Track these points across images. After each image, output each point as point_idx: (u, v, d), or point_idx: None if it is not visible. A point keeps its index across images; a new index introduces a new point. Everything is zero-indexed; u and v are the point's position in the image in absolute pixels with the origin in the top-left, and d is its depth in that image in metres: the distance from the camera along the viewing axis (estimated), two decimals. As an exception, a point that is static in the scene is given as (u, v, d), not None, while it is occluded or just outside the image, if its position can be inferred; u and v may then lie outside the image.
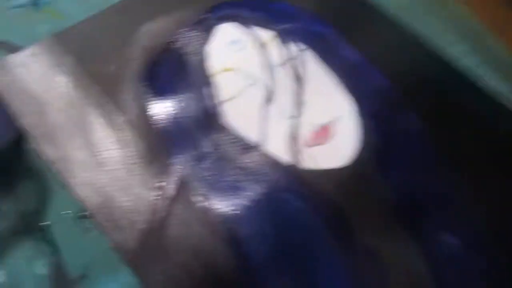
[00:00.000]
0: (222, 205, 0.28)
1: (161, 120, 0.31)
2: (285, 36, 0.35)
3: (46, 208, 0.29)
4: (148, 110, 0.32)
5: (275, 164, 0.30)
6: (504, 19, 0.40)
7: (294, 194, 0.29)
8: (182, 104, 0.32)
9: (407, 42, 0.37)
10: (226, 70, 0.34)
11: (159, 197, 0.28)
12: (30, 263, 0.27)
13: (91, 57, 0.33)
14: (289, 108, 0.32)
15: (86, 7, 0.36)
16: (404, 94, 0.34)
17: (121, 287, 0.27)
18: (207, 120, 0.32)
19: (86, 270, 0.27)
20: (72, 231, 0.28)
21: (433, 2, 0.42)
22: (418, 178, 0.30)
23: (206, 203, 0.28)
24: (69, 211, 0.28)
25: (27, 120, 0.31)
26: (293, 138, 0.31)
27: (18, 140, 0.30)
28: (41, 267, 0.27)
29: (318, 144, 0.31)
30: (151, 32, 0.35)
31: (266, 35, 0.35)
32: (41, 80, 0.32)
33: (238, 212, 0.28)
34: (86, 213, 0.28)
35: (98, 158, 0.29)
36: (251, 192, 0.29)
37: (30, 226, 0.27)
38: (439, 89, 0.34)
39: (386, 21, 0.38)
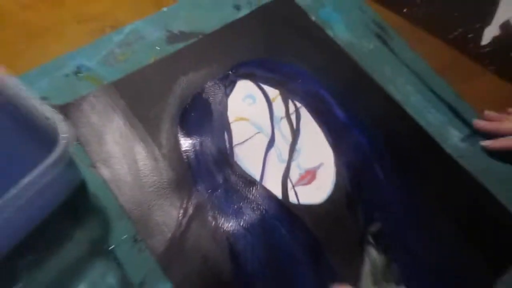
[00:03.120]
0: (227, 225, 0.39)
1: (188, 155, 0.42)
2: (287, 94, 0.45)
3: (109, 235, 0.39)
4: (179, 147, 0.42)
5: (269, 197, 0.40)
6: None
7: (281, 222, 0.39)
8: (205, 144, 0.42)
9: (389, 108, 0.46)
10: (240, 119, 0.44)
11: (182, 215, 0.39)
12: (103, 276, 0.37)
13: (138, 102, 0.44)
14: (285, 154, 0.42)
15: (119, 72, 0.46)
16: (378, 153, 0.43)
17: None
18: (222, 158, 0.42)
19: (143, 279, 0.37)
20: (131, 251, 0.38)
21: (389, 56, 0.51)
22: (378, 220, 0.39)
23: (215, 223, 0.39)
24: (126, 236, 0.39)
25: (90, 147, 0.42)
26: (285, 178, 0.41)
27: (84, 184, 0.41)
28: (111, 279, 0.37)
29: (303, 184, 0.41)
30: (185, 84, 0.45)
31: (273, 92, 0.45)
32: (102, 117, 0.43)
33: (238, 231, 0.38)
34: (138, 237, 0.38)
35: (141, 182, 0.40)
36: (249, 217, 0.39)
37: (99, 250, 0.38)
38: (405, 150, 0.44)
39: (375, 88, 0.47)
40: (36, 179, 0.32)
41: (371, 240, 0.39)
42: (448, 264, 0.38)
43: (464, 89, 0.50)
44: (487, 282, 0.38)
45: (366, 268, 0.37)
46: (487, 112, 0.48)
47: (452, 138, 0.46)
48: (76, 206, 0.39)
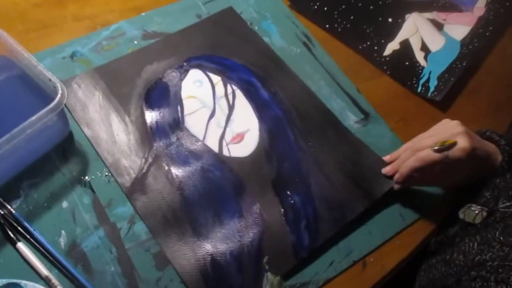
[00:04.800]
0: (176, 170, 0.53)
1: (150, 121, 0.56)
2: (227, 80, 0.61)
3: (87, 171, 0.52)
4: (143, 115, 0.57)
5: (208, 151, 0.55)
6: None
7: (217, 168, 0.54)
8: (163, 114, 0.57)
9: (301, 91, 0.62)
10: (190, 97, 0.59)
11: (143, 162, 0.53)
12: (81, 198, 0.51)
13: (114, 82, 0.58)
14: (222, 122, 0.57)
15: (105, 58, 0.61)
16: (291, 122, 0.58)
17: (130, 210, 0.51)
18: (175, 124, 0.57)
19: (109, 201, 0.51)
20: (101, 182, 0.52)
21: (310, 59, 0.67)
22: (287, 167, 0.55)
23: (168, 168, 0.53)
24: (98, 172, 0.52)
25: (77, 114, 0.56)
26: (221, 138, 0.56)
27: (71, 134, 0.54)
28: (86, 200, 0.51)
29: (235, 143, 0.56)
30: (150, 70, 0.60)
31: (216, 78, 0.61)
32: (86, 91, 0.57)
33: (185, 174, 0.53)
34: (107, 173, 0.52)
35: (114, 139, 0.54)
36: (194, 164, 0.54)
37: (79, 180, 0.52)
38: (312, 121, 0.59)
39: (292, 77, 0.63)
40: (41, 118, 0.46)
41: (266, 267, 0.49)
42: (333, 194, 0.54)
43: (365, 86, 0.66)
44: (359, 206, 0.54)
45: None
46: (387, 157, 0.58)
47: (349, 119, 0.62)
48: (65, 149, 0.53)
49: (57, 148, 0.53)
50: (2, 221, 0.47)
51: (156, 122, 0.56)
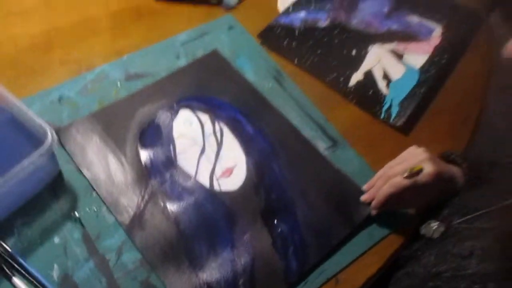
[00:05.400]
0: (172, 205, 0.58)
1: (145, 161, 0.61)
2: (214, 118, 0.66)
3: (76, 207, 0.56)
4: (138, 155, 0.61)
5: (200, 186, 0.60)
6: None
7: (209, 202, 0.59)
8: (157, 153, 0.62)
9: (283, 125, 0.68)
10: (181, 136, 0.64)
11: (140, 199, 0.58)
12: (71, 232, 0.55)
13: (110, 126, 0.63)
14: (212, 158, 0.63)
15: (90, 100, 0.65)
16: (275, 155, 0.65)
17: (117, 241, 0.55)
18: (169, 161, 0.61)
19: (98, 234, 0.55)
20: (90, 217, 0.56)
21: (281, 92, 0.73)
22: (274, 197, 0.61)
23: (164, 204, 0.58)
24: (87, 208, 0.56)
25: (76, 158, 0.59)
26: (212, 174, 0.61)
27: (61, 173, 0.58)
28: (77, 234, 0.55)
29: (224, 177, 0.61)
30: (143, 112, 0.65)
31: (204, 117, 0.67)
32: (84, 136, 0.61)
33: (180, 209, 0.58)
34: (95, 209, 0.56)
35: (112, 179, 0.58)
36: (188, 200, 0.59)
37: (69, 216, 0.55)
38: (293, 153, 0.66)
39: (274, 112, 0.69)
40: (32, 162, 0.50)
41: None
42: (317, 221, 0.60)
43: (333, 115, 0.72)
44: (341, 231, 0.60)
45: None
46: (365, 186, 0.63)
47: (319, 147, 0.68)
48: (55, 187, 0.57)
49: (48, 186, 0.57)
50: (-2, 258, 0.51)
51: (151, 161, 0.61)
